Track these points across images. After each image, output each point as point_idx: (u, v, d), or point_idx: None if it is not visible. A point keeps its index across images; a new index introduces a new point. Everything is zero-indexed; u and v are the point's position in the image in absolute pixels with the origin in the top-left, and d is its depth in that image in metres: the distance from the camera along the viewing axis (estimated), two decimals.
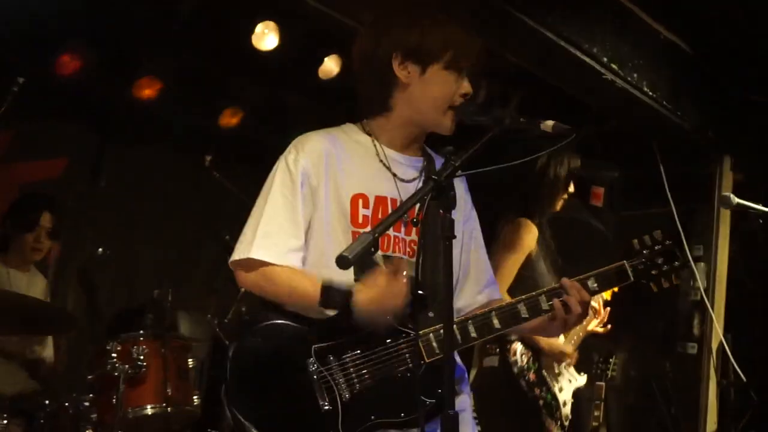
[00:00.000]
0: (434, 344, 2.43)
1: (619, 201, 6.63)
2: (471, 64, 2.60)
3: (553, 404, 4.21)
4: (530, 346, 4.26)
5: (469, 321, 2.51)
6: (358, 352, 2.42)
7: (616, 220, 6.56)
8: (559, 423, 4.22)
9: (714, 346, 6.28)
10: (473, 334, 2.51)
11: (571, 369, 4.45)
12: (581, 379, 4.50)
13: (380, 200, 2.57)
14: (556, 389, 4.26)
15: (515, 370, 4.22)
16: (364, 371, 2.41)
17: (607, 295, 4.60)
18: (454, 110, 2.58)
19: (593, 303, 4.49)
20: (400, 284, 2.35)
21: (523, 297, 2.59)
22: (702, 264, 6.29)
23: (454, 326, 2.44)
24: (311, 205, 2.53)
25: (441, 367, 2.37)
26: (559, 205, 4.58)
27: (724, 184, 6.40)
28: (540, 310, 2.58)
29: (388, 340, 2.43)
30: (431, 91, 2.58)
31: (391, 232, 2.54)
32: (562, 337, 4.38)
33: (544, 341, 4.24)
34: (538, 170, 4.50)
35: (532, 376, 4.22)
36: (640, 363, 6.56)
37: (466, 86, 2.60)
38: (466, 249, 2.72)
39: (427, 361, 2.43)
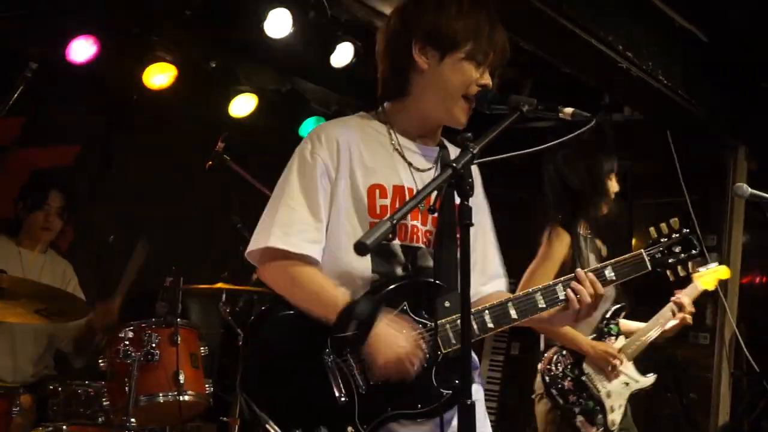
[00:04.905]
0: (450, 335, 2.40)
1: (632, 190, 6.60)
2: (492, 58, 2.53)
3: (596, 410, 4.11)
4: (571, 352, 4.18)
5: (486, 311, 2.48)
6: None
7: (630, 209, 6.53)
8: (602, 429, 4.11)
9: (727, 336, 6.25)
10: (490, 324, 2.48)
11: (630, 370, 4.32)
12: (644, 380, 4.39)
13: (398, 189, 2.52)
14: (602, 395, 4.15)
15: (547, 379, 4.16)
16: None
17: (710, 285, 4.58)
18: (468, 101, 2.52)
19: (684, 299, 4.46)
20: (418, 356, 2.33)
21: (540, 287, 2.57)
22: (715, 254, 6.26)
23: (471, 317, 2.37)
24: (329, 198, 2.48)
25: (457, 358, 2.35)
26: (603, 208, 4.31)
27: (738, 173, 6.37)
28: (557, 299, 2.56)
29: (404, 331, 2.38)
30: (446, 78, 2.51)
31: (408, 221, 2.51)
32: (621, 339, 4.32)
33: (587, 344, 4.14)
34: (570, 175, 4.26)
35: (568, 383, 4.15)
36: (652, 353, 6.53)
37: (485, 78, 2.52)
38: (473, 239, 2.57)
39: (443, 351, 2.40)
